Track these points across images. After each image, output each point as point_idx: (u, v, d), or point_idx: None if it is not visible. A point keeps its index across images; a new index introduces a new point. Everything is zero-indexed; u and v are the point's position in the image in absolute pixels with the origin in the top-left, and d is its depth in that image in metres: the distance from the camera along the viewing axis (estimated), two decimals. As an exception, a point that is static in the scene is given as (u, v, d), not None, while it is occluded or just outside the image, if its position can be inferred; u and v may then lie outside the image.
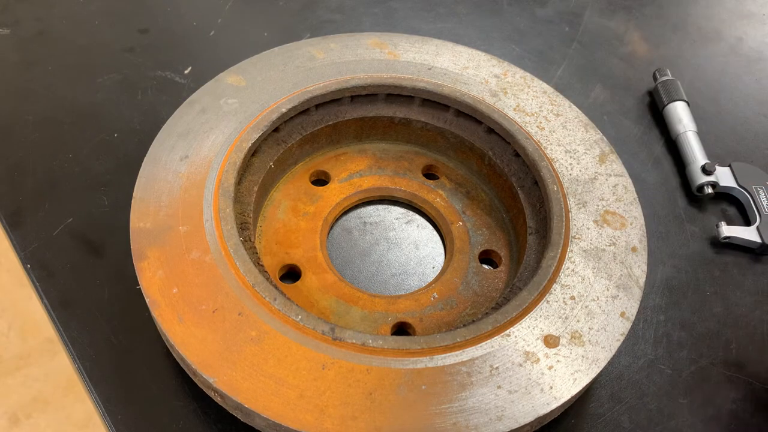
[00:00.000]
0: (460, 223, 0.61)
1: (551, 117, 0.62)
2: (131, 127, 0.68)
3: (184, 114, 0.58)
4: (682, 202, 0.69)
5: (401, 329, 0.54)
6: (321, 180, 0.64)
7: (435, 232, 0.63)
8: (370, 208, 0.64)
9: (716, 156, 0.74)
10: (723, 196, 0.70)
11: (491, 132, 0.62)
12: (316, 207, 0.61)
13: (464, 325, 0.47)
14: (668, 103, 0.76)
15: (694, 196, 0.69)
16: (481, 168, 0.64)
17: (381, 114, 0.64)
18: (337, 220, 0.62)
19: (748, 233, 0.65)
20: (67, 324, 0.53)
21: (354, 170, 0.64)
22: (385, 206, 0.64)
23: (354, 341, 0.45)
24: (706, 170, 0.68)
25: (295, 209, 0.60)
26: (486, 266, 0.59)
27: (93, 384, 0.50)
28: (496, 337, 0.46)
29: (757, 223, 0.66)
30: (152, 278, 0.47)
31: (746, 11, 0.96)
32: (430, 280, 0.59)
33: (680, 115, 0.74)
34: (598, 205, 0.56)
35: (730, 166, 0.71)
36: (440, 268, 0.60)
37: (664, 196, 0.69)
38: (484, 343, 0.46)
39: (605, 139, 0.61)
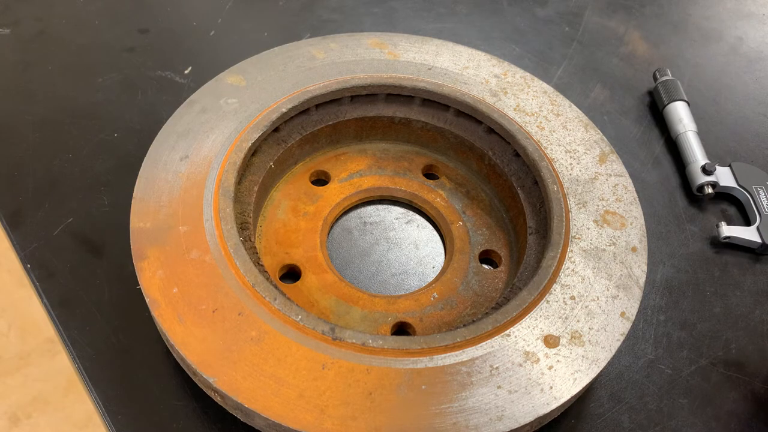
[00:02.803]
0: (460, 223, 0.61)
1: (551, 117, 0.62)
2: (131, 127, 0.68)
3: (184, 114, 0.58)
4: (682, 202, 0.69)
5: (401, 329, 0.54)
6: (321, 180, 0.64)
7: (435, 232, 0.63)
8: (370, 208, 0.64)
9: (716, 156, 0.74)
10: (723, 196, 0.70)
11: (491, 132, 0.62)
12: (316, 207, 0.61)
13: (464, 325, 0.47)
14: (668, 103, 0.76)
15: (694, 196, 0.69)
16: (481, 168, 0.64)
17: (381, 114, 0.64)
18: (337, 220, 0.62)
19: (748, 233, 0.65)
20: (67, 324, 0.53)
21: (354, 170, 0.64)
22: (385, 206, 0.64)
23: (354, 341, 0.45)
24: (706, 170, 0.68)
25: (295, 209, 0.60)
26: (486, 266, 0.59)
27: (93, 384, 0.50)
28: (496, 337, 0.46)
29: (757, 223, 0.66)
30: (152, 278, 0.47)
31: (746, 11, 0.96)
32: (430, 280, 0.59)
33: (680, 115, 0.74)
34: (598, 205, 0.56)
35: (730, 166, 0.70)
36: (440, 268, 0.60)
37: (664, 196, 0.69)
38: (484, 343, 0.46)
39: (605, 139, 0.61)
